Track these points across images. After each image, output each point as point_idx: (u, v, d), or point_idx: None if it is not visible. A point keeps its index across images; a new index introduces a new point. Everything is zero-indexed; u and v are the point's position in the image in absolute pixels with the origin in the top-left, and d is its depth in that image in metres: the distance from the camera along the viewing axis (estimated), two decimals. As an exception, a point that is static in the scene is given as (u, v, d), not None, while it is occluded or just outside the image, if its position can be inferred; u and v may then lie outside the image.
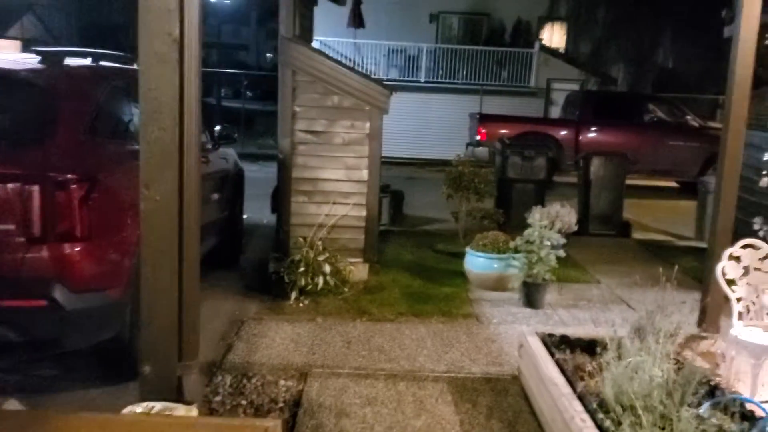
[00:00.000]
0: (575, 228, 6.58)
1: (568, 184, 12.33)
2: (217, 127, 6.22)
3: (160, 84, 2.99)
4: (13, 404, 3.22)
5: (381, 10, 19.51)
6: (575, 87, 19.56)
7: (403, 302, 5.80)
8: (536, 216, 5.91)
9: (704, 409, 3.02)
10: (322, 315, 5.38)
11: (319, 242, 5.97)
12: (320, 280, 5.70)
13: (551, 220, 5.96)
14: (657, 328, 3.39)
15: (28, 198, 3.46)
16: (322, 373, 4.30)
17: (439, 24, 22.16)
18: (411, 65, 20.43)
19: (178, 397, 3.17)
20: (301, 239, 6.01)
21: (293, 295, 5.64)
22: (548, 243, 5.67)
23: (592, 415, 3.12)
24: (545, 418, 3.62)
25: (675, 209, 11.81)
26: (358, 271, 6.23)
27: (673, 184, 15.39)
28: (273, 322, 5.20)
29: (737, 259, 4.20)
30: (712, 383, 3.40)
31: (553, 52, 21.48)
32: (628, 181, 9.41)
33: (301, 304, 5.58)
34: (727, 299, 4.19)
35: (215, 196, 6.06)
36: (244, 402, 3.87)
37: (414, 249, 7.72)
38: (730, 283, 4.16)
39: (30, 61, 4.20)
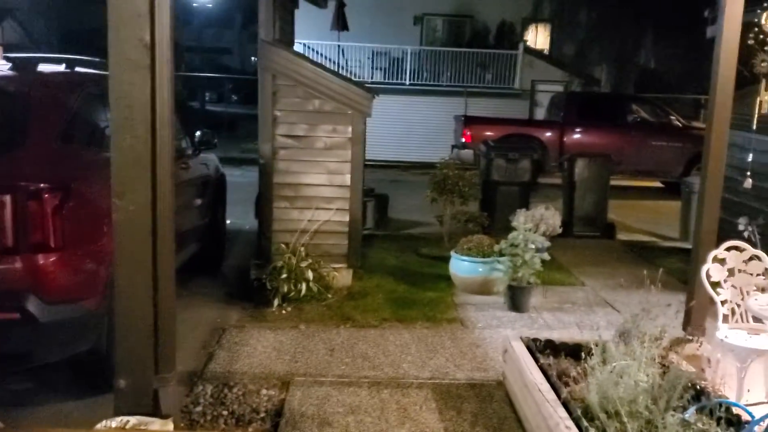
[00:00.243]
0: (560, 230, 6.59)
1: (553, 185, 12.35)
2: (198, 133, 6.15)
3: (131, 91, 2.93)
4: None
5: (365, 12, 19.46)
6: (559, 88, 19.61)
7: (388, 308, 5.74)
8: (521, 219, 5.91)
9: (689, 414, 2.99)
10: (305, 322, 5.32)
11: (302, 248, 5.90)
12: (303, 287, 5.64)
13: (536, 223, 5.97)
14: (642, 332, 3.37)
15: (-1, 207, 3.37)
16: (304, 382, 4.24)
17: (423, 26, 22.13)
18: (395, 68, 20.38)
19: (155, 411, 3.11)
20: (283, 245, 5.94)
21: (276, 302, 5.57)
22: (533, 246, 5.65)
23: (576, 422, 3.08)
24: (530, 425, 3.58)
25: (659, 210, 11.83)
26: (342, 276, 6.17)
27: (657, 184, 15.46)
28: (255, 329, 5.13)
29: (722, 261, 4.19)
30: (698, 387, 3.37)
31: (537, 53, 21.53)
32: (613, 182, 9.41)
33: (283, 311, 5.52)
34: (712, 302, 4.17)
35: (196, 202, 5.99)
36: (225, 412, 3.82)
37: (398, 253, 7.67)
38: (715, 285, 4.15)
39: (1, 68, 4.11)
